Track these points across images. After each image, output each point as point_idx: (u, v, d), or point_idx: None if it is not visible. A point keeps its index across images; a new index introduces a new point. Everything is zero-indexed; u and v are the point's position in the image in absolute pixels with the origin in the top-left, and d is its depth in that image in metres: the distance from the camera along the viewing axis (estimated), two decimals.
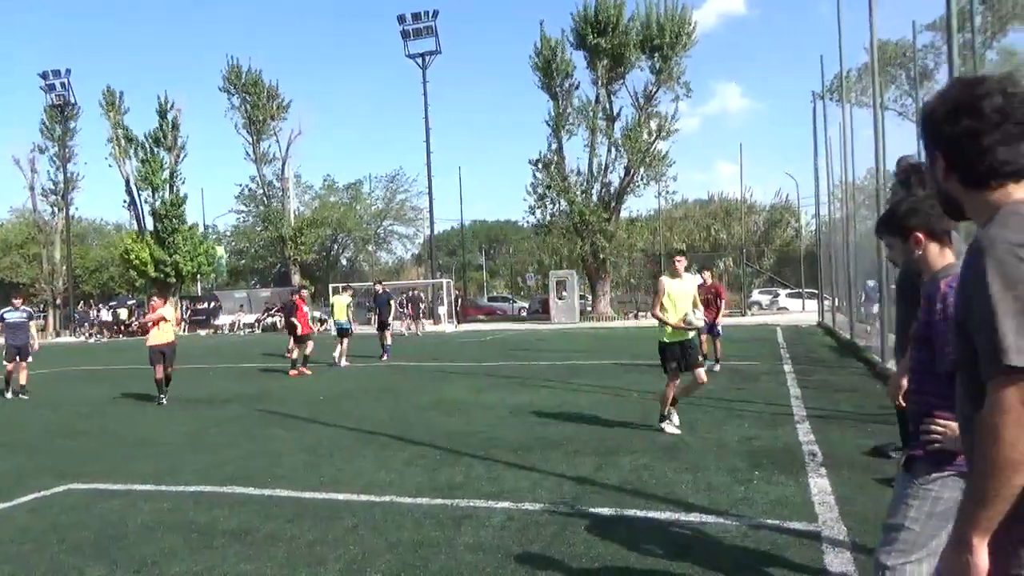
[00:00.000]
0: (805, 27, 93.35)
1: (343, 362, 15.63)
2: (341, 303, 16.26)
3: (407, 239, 64.24)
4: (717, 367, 12.03)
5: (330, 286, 34.06)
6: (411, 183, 59.04)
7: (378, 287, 17.19)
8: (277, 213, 44.75)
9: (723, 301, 12.98)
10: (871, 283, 15.51)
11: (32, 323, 12.93)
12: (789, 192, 66.88)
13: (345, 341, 15.79)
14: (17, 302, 13.07)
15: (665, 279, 7.35)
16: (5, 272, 49.77)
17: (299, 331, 14.67)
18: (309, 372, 14.33)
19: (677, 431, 7.12)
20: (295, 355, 14.65)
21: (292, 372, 14.30)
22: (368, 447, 7.08)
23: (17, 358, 12.52)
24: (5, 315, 12.67)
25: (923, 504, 2.22)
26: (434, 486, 5.54)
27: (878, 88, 12.12)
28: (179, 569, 4.06)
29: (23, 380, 12.59)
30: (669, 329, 7.21)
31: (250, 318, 38.33)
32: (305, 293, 15.22)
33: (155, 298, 12.06)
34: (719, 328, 12.66)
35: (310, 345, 14.72)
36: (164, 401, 10.93)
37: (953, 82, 1.61)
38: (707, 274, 13.17)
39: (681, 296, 7.24)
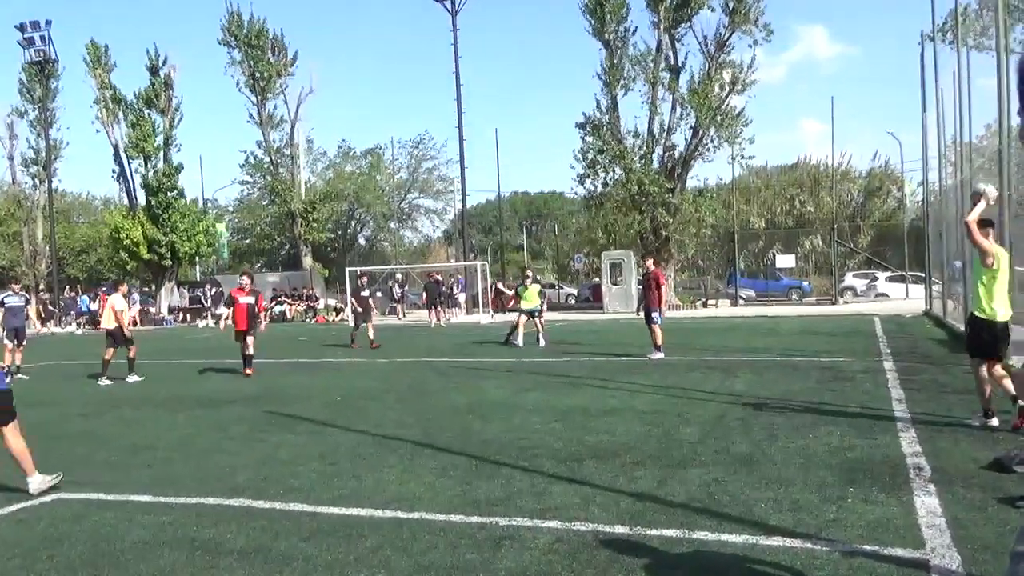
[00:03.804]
0: None
1: (541, 340, 18.47)
2: (534, 289, 19.39)
3: (435, 215, 64.75)
4: (660, 355, 14.52)
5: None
6: (439, 149, 59.45)
7: (529, 272, 20.46)
8: (286, 185, 45.36)
9: (664, 288, 15.36)
10: (958, 263, 15.82)
11: (29, 307, 16.56)
12: (890, 155, 65.52)
13: (535, 319, 18.78)
14: (16, 287, 16.57)
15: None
16: None
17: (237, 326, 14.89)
18: (249, 372, 14.46)
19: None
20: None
21: (246, 372, 14.54)
22: (393, 455, 7.17)
23: (16, 340, 15.59)
24: (6, 300, 15.75)
25: None
26: (470, 501, 5.60)
27: (1003, 27, 11.76)
28: None
29: (19, 360, 15.65)
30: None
31: None
32: (245, 280, 15.30)
33: (123, 286, 15.61)
34: (659, 316, 15.00)
35: (246, 343, 14.73)
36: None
37: None
38: (650, 261, 15.93)
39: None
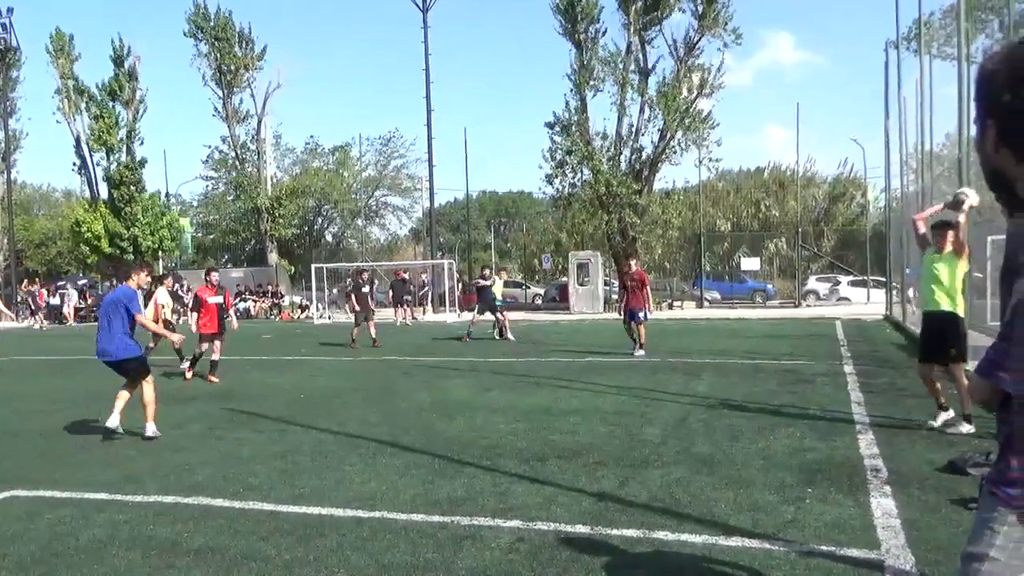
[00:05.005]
0: None
1: (509, 335, 19.92)
2: (499, 283, 20.91)
3: (403, 212, 64.41)
4: (641, 352, 14.94)
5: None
6: (408, 147, 59.05)
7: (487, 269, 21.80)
8: (252, 180, 44.90)
9: (647, 288, 15.73)
10: (909, 271, 16.14)
11: None
12: (855, 162, 66.42)
13: (502, 315, 20.30)
14: None
15: None
16: None
17: (199, 328, 13.47)
18: (215, 379, 12.94)
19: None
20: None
21: (187, 375, 13.32)
22: (355, 454, 7.14)
23: None
24: None
25: (1013, 530, 2.21)
26: (431, 500, 5.59)
27: (964, 36, 11.97)
28: None
29: None
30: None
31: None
32: (214, 277, 13.83)
33: (168, 281, 16.11)
34: (644, 314, 15.44)
35: (214, 346, 13.36)
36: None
37: (1016, 44, 1.59)
38: (634, 262, 16.33)
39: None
